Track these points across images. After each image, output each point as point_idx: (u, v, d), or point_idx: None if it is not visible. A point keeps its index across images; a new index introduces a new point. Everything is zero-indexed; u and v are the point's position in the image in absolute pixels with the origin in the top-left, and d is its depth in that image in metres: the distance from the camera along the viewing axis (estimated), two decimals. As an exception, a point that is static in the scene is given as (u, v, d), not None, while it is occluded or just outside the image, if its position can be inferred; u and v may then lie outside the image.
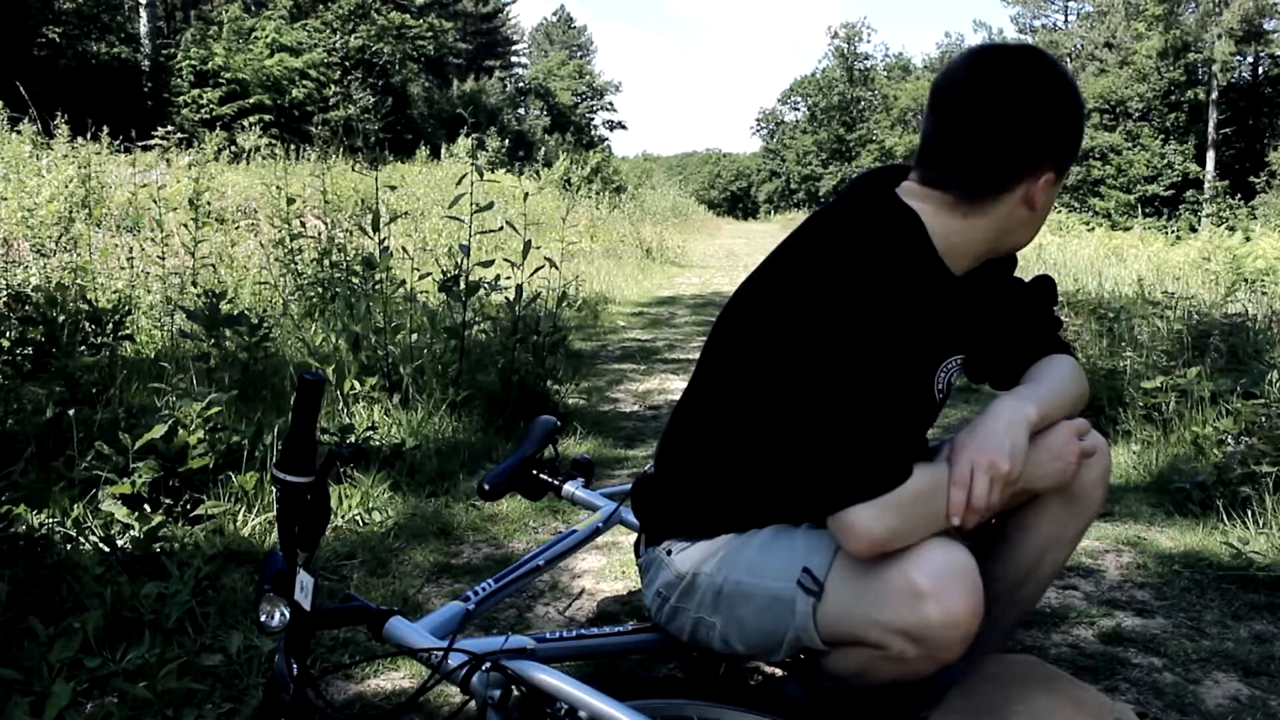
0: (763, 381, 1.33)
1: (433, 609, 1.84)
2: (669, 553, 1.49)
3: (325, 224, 6.07)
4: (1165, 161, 31.16)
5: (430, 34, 30.68)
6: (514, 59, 50.35)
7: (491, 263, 3.94)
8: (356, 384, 3.57)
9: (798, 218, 36.40)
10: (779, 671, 1.77)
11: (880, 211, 1.36)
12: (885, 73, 51.11)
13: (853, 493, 1.23)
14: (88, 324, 3.62)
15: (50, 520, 2.25)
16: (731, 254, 17.00)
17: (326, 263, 5.30)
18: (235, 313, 3.75)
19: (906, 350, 1.29)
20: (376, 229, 4.09)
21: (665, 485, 1.53)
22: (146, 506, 2.40)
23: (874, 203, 1.38)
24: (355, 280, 4.95)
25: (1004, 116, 1.28)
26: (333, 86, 23.95)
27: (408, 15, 29.66)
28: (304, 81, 22.97)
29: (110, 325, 3.68)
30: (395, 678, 1.89)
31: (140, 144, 8.18)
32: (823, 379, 1.25)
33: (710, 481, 1.46)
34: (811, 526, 1.38)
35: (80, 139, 8.32)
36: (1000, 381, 1.54)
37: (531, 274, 4.12)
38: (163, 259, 4.89)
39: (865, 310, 1.25)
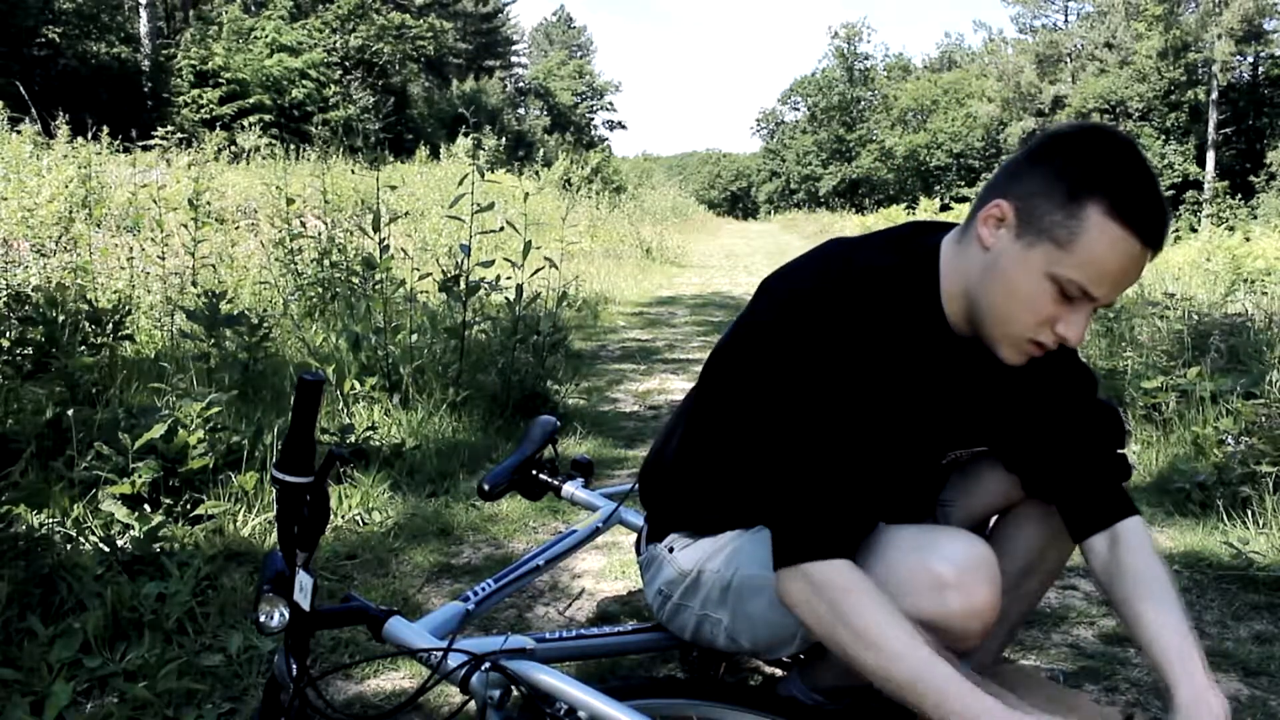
0: (742, 405, 1.32)
1: (433, 609, 1.84)
2: (671, 550, 1.48)
3: (325, 224, 6.06)
4: (1165, 162, 31.14)
5: (430, 34, 30.71)
6: (514, 59, 50.35)
7: (492, 263, 3.94)
8: (356, 384, 3.57)
9: (798, 218, 36.41)
10: (779, 672, 1.77)
11: (894, 241, 1.33)
12: (885, 73, 51.11)
13: (792, 550, 1.21)
14: (88, 324, 3.61)
15: (50, 520, 2.25)
16: (731, 254, 17.00)
17: (326, 263, 5.30)
18: (235, 313, 3.75)
19: (881, 404, 1.24)
20: (377, 229, 4.09)
21: (673, 479, 1.52)
22: (146, 506, 2.40)
23: (894, 232, 1.35)
24: (355, 280, 4.95)
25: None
26: (333, 86, 23.97)
27: (408, 15, 29.69)
28: (304, 81, 22.99)
29: (110, 325, 3.67)
30: (395, 678, 1.89)
31: (140, 144, 8.18)
32: (781, 415, 1.23)
33: (716, 484, 1.45)
34: None
35: (80, 139, 8.28)
36: (1041, 493, 1.45)
37: (532, 274, 4.12)
38: (163, 259, 4.87)
39: (838, 347, 1.22)
